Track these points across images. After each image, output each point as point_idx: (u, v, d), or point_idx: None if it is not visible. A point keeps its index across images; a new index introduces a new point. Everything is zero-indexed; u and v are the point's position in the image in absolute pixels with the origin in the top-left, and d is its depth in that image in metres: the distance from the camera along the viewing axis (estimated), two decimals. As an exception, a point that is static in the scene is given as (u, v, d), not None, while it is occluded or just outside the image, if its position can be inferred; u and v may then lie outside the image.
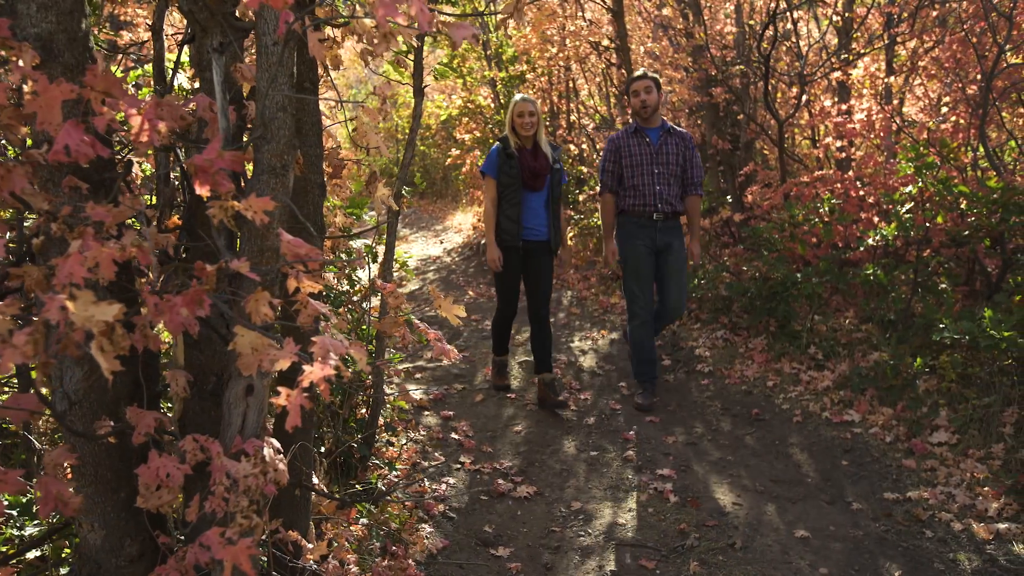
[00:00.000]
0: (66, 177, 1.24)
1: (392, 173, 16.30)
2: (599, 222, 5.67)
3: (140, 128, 1.18)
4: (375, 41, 1.66)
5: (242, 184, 1.70)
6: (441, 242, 11.02)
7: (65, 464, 1.30)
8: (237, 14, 1.53)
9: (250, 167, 1.63)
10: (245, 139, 1.73)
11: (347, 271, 4.16)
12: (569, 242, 4.55)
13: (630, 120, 4.51)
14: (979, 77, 4.88)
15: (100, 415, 1.49)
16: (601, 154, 4.53)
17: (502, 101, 9.05)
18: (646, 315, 4.48)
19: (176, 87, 2.64)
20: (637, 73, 4.56)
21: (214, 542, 1.15)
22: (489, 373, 5.26)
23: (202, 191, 1.15)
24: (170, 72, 2.26)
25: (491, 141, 9.19)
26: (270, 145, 1.44)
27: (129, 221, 1.74)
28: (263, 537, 2.19)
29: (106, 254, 1.11)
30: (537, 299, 4.52)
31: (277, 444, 1.72)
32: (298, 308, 1.40)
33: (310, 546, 2.00)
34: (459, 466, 3.85)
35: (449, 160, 11.24)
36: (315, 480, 2.42)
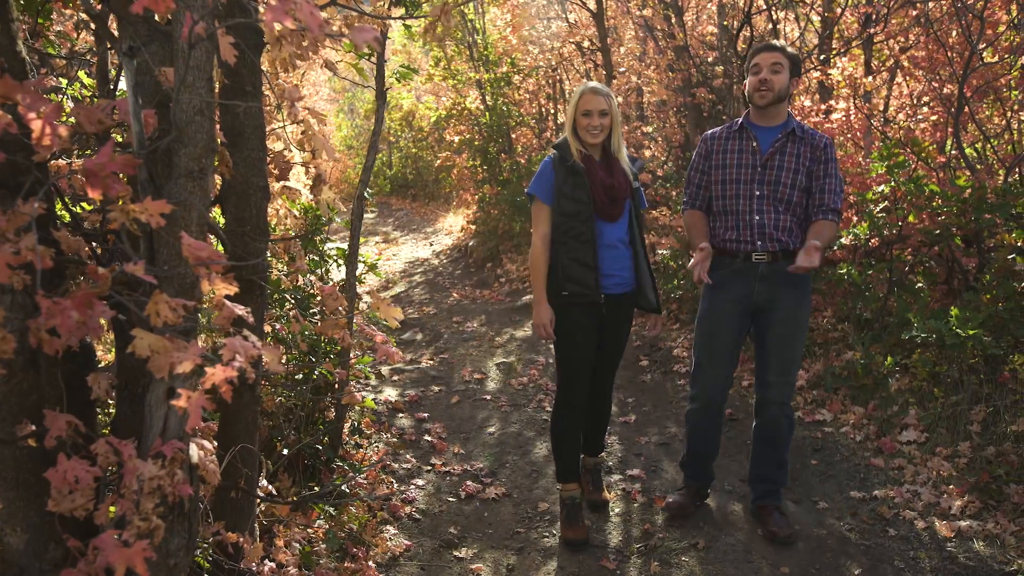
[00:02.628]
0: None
1: (386, 175, 16.32)
2: None
3: (41, 132, 1.19)
4: (303, 44, 1.67)
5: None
6: (431, 244, 11.03)
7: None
8: (157, 18, 1.54)
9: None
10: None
11: (320, 271, 4.17)
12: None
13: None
14: (960, 74, 4.87)
15: (21, 419, 1.49)
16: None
17: (489, 103, 9.06)
18: (710, 397, 3.13)
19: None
20: (766, 42, 3.02)
21: (108, 544, 1.16)
22: (467, 375, 5.25)
23: (94, 194, 1.16)
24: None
25: (477, 142, 9.17)
26: (187, 149, 1.45)
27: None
28: (208, 540, 2.19)
29: (0, 259, 1.12)
30: (605, 371, 3.25)
31: (208, 445, 1.72)
32: (213, 309, 1.40)
33: (249, 548, 2.00)
34: (429, 468, 3.85)
35: (439, 162, 11.26)
36: (263, 482, 2.42)
